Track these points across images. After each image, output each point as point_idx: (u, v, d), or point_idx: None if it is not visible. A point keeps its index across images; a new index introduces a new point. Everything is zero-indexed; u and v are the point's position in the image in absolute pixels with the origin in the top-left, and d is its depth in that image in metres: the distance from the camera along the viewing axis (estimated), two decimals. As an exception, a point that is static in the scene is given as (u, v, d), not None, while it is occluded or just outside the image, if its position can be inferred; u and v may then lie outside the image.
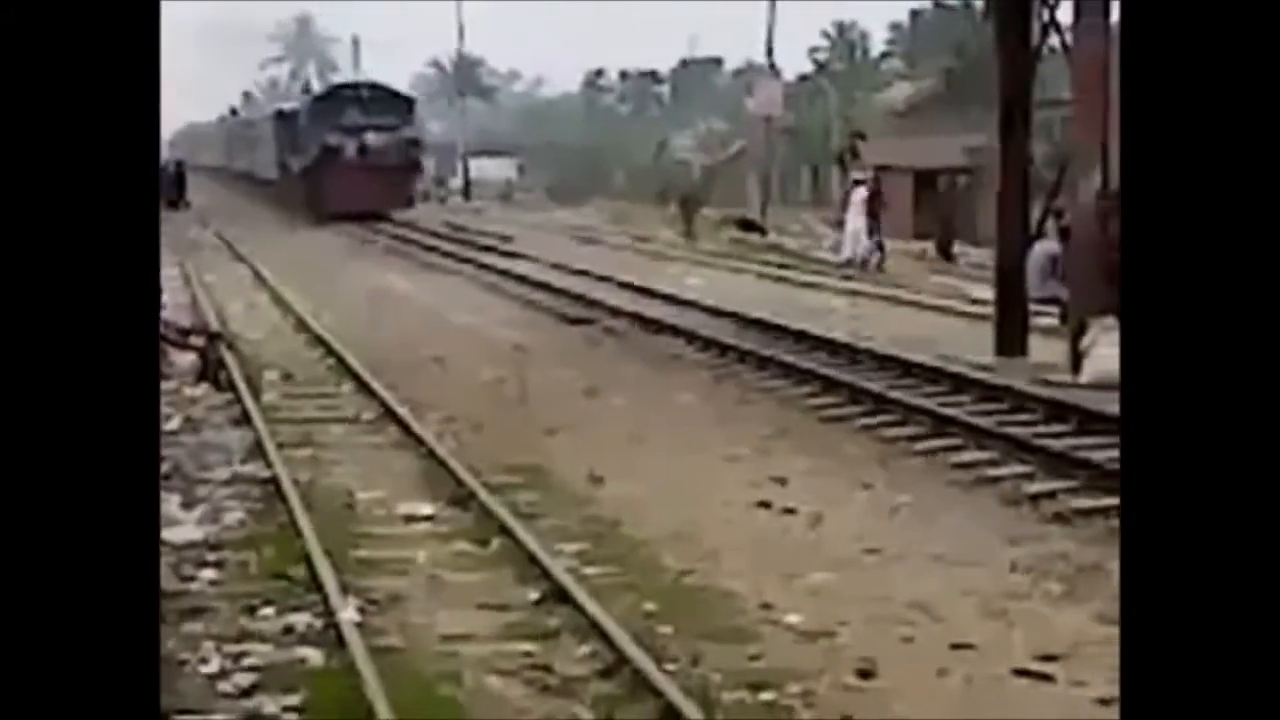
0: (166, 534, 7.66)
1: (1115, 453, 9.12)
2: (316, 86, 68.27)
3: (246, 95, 78.47)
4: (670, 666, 5.96)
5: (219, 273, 24.38)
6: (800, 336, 14.89)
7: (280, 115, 46.25)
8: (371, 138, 37.02)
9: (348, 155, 36.88)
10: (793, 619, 6.51)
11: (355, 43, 46.75)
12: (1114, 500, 8.32)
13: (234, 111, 66.41)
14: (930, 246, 24.59)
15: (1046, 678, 5.92)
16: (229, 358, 13.01)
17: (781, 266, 25.27)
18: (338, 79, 65.25)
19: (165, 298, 15.38)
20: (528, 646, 6.34)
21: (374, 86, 40.62)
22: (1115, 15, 11.63)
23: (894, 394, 11.67)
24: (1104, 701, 5.43)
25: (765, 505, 8.82)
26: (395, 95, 40.58)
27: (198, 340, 13.34)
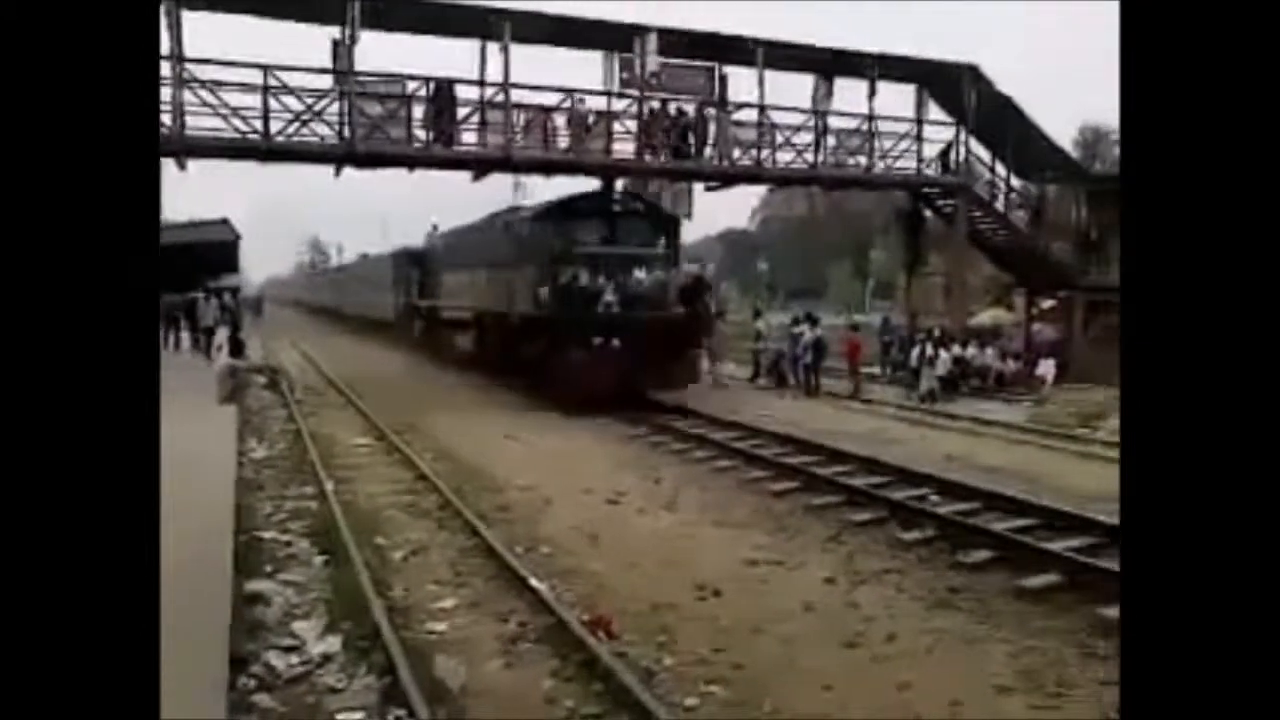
0: (252, 455, 14.67)
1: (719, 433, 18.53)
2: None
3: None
4: (469, 503, 11.56)
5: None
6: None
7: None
8: (639, 277, 21.06)
9: (604, 305, 20.51)
10: (519, 482, 13.38)
11: (339, 249, 65.50)
12: (674, 439, 16.87)
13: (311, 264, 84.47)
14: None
15: (619, 500, 12.49)
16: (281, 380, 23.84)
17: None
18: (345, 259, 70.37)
19: (251, 354, 26.05)
20: (409, 498, 12.40)
21: (629, 196, 23.18)
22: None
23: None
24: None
25: (511, 438, 16.52)
26: (656, 212, 22.91)
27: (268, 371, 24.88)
